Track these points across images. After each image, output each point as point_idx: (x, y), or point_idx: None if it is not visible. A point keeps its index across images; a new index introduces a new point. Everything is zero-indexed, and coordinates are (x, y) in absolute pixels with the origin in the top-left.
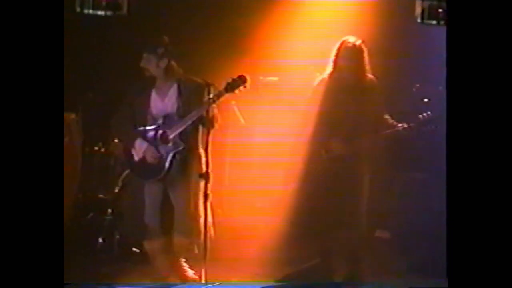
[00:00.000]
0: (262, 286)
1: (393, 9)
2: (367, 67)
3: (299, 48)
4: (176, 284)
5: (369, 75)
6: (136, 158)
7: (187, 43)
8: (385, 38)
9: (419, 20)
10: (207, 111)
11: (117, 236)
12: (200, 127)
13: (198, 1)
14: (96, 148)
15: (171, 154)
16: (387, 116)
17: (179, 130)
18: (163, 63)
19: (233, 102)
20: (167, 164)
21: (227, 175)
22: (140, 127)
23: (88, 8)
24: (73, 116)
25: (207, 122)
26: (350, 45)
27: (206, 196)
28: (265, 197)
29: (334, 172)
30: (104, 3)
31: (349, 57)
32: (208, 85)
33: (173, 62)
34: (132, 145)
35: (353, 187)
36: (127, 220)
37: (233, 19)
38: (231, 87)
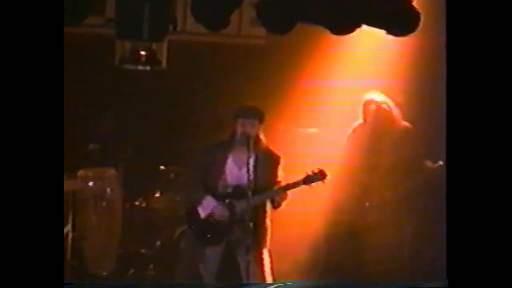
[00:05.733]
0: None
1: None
2: (398, 117)
3: (336, 97)
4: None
5: (402, 123)
6: (202, 215)
7: (228, 95)
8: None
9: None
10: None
11: None
12: (269, 204)
13: (237, 55)
14: (137, 203)
15: (237, 227)
16: (426, 161)
17: (248, 205)
18: (260, 135)
19: None
20: (230, 234)
21: None
22: (210, 191)
23: (127, 63)
24: (113, 171)
25: (276, 202)
26: (373, 105)
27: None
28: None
29: (376, 220)
30: (143, 58)
31: (375, 116)
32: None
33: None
34: (199, 201)
35: (393, 233)
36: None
37: (272, 71)
38: (310, 180)
